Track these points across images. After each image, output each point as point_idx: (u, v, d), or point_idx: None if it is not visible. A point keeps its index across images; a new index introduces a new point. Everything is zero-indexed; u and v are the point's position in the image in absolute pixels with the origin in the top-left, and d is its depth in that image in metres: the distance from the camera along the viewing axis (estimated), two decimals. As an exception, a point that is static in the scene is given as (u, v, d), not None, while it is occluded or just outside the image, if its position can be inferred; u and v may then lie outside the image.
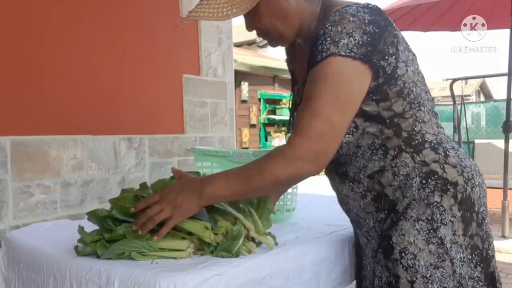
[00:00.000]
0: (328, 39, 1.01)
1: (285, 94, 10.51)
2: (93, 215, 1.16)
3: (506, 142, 4.43)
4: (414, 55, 1.13)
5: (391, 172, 1.09)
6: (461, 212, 1.07)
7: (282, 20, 1.10)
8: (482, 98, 22.12)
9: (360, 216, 1.20)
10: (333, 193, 1.39)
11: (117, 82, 2.24)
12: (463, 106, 6.01)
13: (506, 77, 4.44)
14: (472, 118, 6.82)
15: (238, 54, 9.27)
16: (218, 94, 2.80)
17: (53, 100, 1.99)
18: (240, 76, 8.98)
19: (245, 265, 1.10)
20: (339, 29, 1.00)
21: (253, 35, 13.11)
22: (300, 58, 1.20)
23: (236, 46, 10.67)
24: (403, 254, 1.07)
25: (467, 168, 1.11)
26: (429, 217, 1.06)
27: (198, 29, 2.68)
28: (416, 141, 1.09)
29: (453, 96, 5.93)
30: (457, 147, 1.16)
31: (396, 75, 1.05)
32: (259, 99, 10.27)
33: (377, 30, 1.01)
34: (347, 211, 1.26)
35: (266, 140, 10.46)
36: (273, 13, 1.09)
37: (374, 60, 1.01)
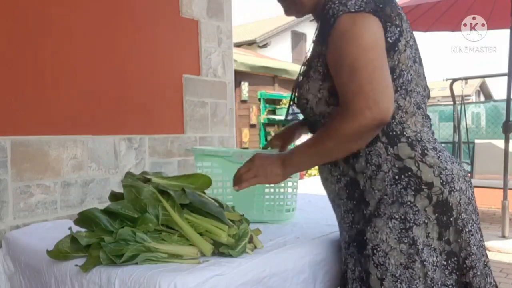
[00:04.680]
0: (336, 2, 1.07)
1: (285, 94, 10.50)
2: (86, 215, 1.16)
3: (506, 142, 4.42)
4: (416, 45, 1.14)
5: (365, 159, 1.10)
6: (436, 215, 1.06)
7: None
8: (482, 98, 22.11)
9: (335, 202, 1.22)
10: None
11: (117, 82, 2.24)
12: (463, 106, 6.00)
13: (506, 77, 4.44)
14: (472, 118, 6.82)
15: (238, 54, 9.26)
16: (218, 94, 2.80)
17: (53, 100, 1.99)
18: (240, 76, 8.97)
19: (245, 266, 1.10)
20: None
21: (253, 35, 13.00)
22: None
23: (236, 46, 10.67)
24: (375, 251, 1.07)
25: (446, 171, 1.08)
26: (402, 216, 1.06)
27: (198, 29, 2.68)
28: (393, 133, 1.09)
29: (453, 96, 5.93)
30: (442, 149, 1.14)
31: (396, 48, 1.07)
32: (259, 99, 10.26)
33: None
34: (328, 198, 1.28)
35: (266, 140, 10.45)
36: None
37: (382, 19, 1.04)
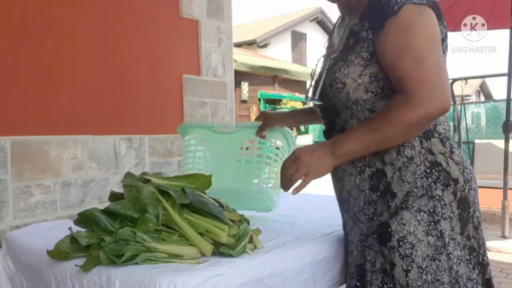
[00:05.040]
0: None
1: (285, 94, 10.51)
2: (86, 215, 1.16)
3: (506, 142, 4.42)
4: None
5: (396, 150, 1.11)
6: (459, 210, 1.11)
7: None
8: (482, 98, 22.12)
9: (352, 195, 1.20)
10: (333, 194, 1.38)
11: (117, 82, 2.24)
12: (463, 106, 6.00)
13: (506, 77, 4.44)
14: (472, 118, 6.81)
15: (238, 54, 9.27)
16: (218, 94, 2.80)
17: (53, 100, 1.99)
18: (240, 76, 8.98)
19: (245, 266, 1.10)
20: None
21: (253, 35, 12.99)
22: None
23: (236, 46, 10.67)
24: (401, 243, 1.08)
25: (467, 170, 1.15)
26: (431, 210, 1.08)
27: (198, 29, 2.68)
28: (428, 127, 1.12)
29: (453, 96, 5.92)
30: (459, 149, 1.19)
31: (442, 48, 1.10)
32: (259, 99, 10.28)
33: None
34: (340, 190, 1.25)
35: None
36: None
37: (437, 16, 1.07)
